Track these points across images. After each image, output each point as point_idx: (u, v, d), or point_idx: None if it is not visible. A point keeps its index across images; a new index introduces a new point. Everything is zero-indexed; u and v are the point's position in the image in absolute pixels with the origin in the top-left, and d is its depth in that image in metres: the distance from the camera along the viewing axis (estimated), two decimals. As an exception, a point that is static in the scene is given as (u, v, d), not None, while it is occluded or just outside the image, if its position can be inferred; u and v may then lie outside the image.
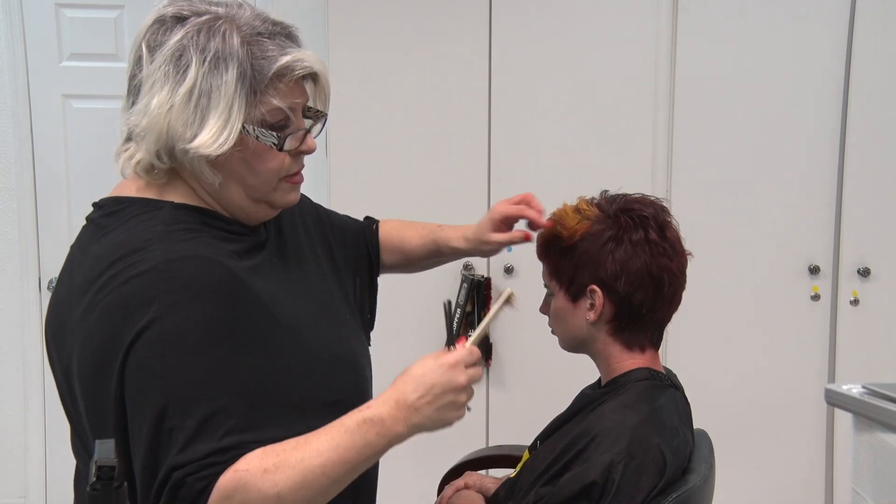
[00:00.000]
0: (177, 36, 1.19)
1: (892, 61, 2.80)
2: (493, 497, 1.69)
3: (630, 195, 1.56)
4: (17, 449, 3.31)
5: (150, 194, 1.26)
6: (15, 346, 3.25)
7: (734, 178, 2.87)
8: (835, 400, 1.64)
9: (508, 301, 1.31)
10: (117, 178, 1.32)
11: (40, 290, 3.22)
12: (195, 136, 1.18)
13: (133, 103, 1.22)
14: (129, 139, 1.24)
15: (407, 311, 2.90)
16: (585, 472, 1.38)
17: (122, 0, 3.13)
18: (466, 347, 1.25)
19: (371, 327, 1.69)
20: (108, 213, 1.27)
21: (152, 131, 1.19)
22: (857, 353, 2.89)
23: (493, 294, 2.91)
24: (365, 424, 1.17)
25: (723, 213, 2.88)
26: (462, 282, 2.88)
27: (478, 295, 2.88)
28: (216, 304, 1.16)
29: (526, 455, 1.66)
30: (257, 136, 1.22)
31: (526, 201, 1.58)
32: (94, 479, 0.92)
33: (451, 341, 1.25)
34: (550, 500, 1.39)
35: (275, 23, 1.25)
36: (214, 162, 1.21)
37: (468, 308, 2.88)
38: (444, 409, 1.21)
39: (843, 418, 2.51)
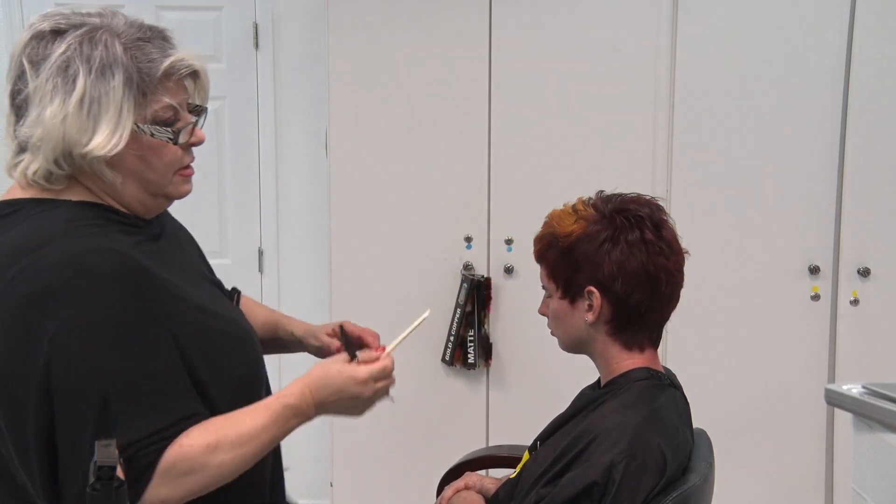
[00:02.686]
0: (60, 48, 1.25)
1: (893, 61, 2.80)
2: (493, 497, 1.69)
3: (625, 195, 1.56)
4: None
5: (45, 196, 1.31)
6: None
7: (734, 178, 2.86)
8: (835, 400, 1.64)
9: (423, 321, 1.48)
10: None
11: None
12: (90, 141, 1.25)
13: (21, 117, 1.28)
14: (21, 151, 1.30)
15: (406, 311, 2.90)
16: (586, 472, 1.38)
17: (122, 0, 3.14)
18: (381, 360, 1.42)
19: None
20: (4, 214, 1.31)
21: (49, 140, 1.25)
22: (857, 353, 2.89)
23: (493, 294, 2.91)
24: (287, 410, 1.34)
25: (723, 213, 2.88)
26: (462, 282, 2.88)
27: (478, 295, 2.88)
28: (131, 292, 1.24)
29: (526, 455, 1.66)
30: (152, 134, 1.30)
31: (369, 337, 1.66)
32: (94, 478, 0.92)
33: (353, 356, 1.42)
34: (552, 501, 1.39)
35: (150, 28, 1.33)
36: (112, 162, 1.28)
37: (468, 308, 2.88)
38: (346, 409, 1.42)
39: (843, 418, 2.51)
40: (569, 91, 2.85)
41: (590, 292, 1.50)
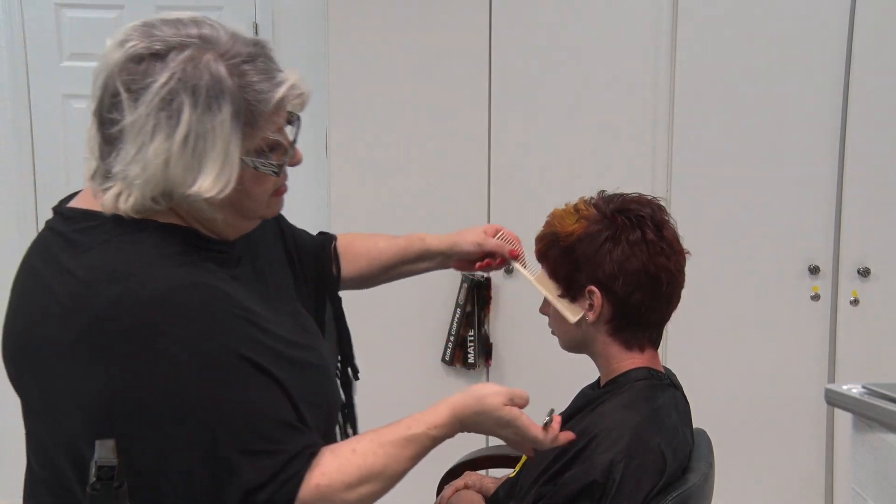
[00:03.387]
0: (161, 78, 1.13)
1: (893, 61, 2.80)
2: (492, 497, 1.69)
3: (627, 195, 1.56)
4: (18, 449, 3.30)
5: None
6: (15, 346, 3.24)
7: (734, 178, 2.86)
8: (835, 400, 1.64)
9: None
10: None
11: (40, 290, 3.22)
12: (195, 181, 1.15)
13: (113, 146, 1.17)
14: (108, 176, 1.19)
15: (406, 311, 2.90)
16: (586, 471, 1.38)
17: (122, 0, 3.13)
18: (550, 438, 1.34)
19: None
20: (80, 228, 1.22)
21: (149, 181, 1.15)
22: (857, 353, 2.89)
23: (493, 294, 2.91)
24: (431, 441, 1.29)
25: (723, 213, 2.87)
26: (462, 282, 2.88)
27: (478, 295, 2.88)
28: (223, 328, 1.17)
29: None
30: (256, 167, 1.21)
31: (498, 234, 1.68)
32: (94, 479, 0.92)
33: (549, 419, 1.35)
34: (551, 500, 1.39)
35: (254, 43, 1.21)
36: (212, 199, 1.18)
37: (468, 308, 2.88)
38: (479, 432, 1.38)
39: (843, 418, 2.51)
40: (569, 91, 2.85)
41: (590, 292, 1.50)
